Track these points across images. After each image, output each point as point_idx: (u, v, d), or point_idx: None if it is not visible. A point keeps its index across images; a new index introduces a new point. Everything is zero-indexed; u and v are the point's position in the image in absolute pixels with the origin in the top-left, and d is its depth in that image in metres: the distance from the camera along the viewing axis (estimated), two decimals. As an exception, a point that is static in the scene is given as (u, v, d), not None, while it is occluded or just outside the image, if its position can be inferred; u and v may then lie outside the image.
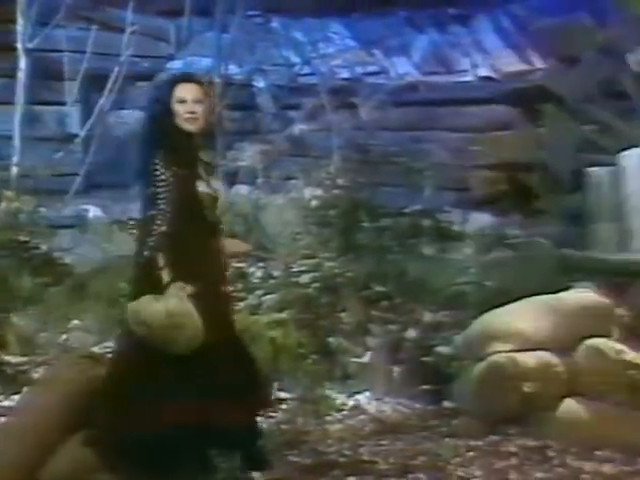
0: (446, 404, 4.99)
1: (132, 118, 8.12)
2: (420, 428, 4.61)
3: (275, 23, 8.59)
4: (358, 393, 5.14)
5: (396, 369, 5.38)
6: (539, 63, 8.00)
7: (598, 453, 4.07)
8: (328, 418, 4.80)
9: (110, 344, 5.32)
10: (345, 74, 8.24)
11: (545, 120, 7.28)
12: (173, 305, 3.63)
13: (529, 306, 4.55)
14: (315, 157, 7.25)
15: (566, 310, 4.46)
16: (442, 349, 5.40)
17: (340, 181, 6.55)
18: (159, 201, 3.69)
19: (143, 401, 3.66)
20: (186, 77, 3.94)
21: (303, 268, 5.87)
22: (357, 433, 4.53)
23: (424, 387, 5.17)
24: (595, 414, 4.22)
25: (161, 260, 3.65)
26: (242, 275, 5.87)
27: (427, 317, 5.80)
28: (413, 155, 7.28)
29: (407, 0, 8.41)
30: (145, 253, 3.68)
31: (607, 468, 3.90)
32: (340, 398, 5.03)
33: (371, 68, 8.12)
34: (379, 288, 5.94)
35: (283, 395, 4.99)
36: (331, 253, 6.05)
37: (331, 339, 5.46)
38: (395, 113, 7.65)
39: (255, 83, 8.26)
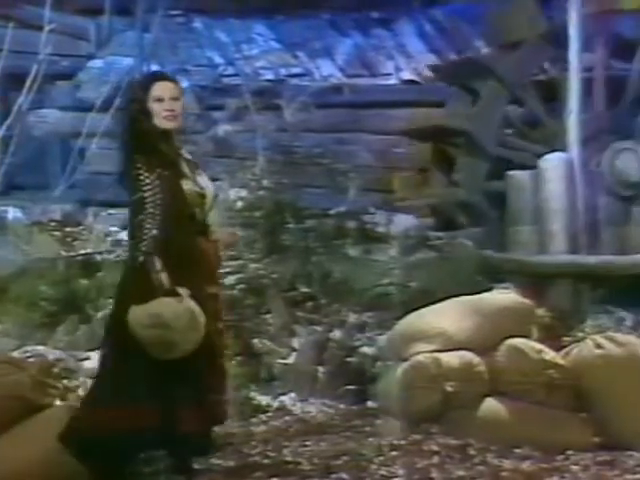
0: (370, 404, 5.03)
1: (52, 117, 7.99)
2: (344, 428, 4.63)
3: (197, 23, 8.55)
4: (283, 394, 5.14)
5: (321, 370, 5.40)
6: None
7: (517, 451, 4.14)
8: (253, 420, 4.79)
9: (30, 348, 5.24)
10: (269, 75, 8.25)
11: (482, 94, 7.35)
12: (194, 307, 3.62)
13: (452, 307, 4.59)
14: (240, 158, 7.23)
15: (488, 311, 4.51)
16: (366, 350, 5.44)
17: (265, 182, 6.55)
18: (147, 205, 3.68)
19: (121, 403, 3.69)
20: (161, 76, 3.97)
21: (228, 269, 5.83)
22: (282, 434, 4.53)
23: (348, 387, 5.20)
24: (515, 413, 4.28)
25: (158, 264, 3.64)
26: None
27: (352, 318, 5.83)
28: (337, 157, 7.33)
29: (330, 3, 8.46)
30: (140, 258, 3.67)
31: (526, 465, 3.96)
32: (265, 400, 5.03)
33: (295, 70, 8.15)
34: (304, 289, 5.95)
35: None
36: (256, 254, 6.04)
37: (256, 340, 5.45)
38: (319, 115, 7.68)
39: (178, 83, 8.21)
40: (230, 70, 8.33)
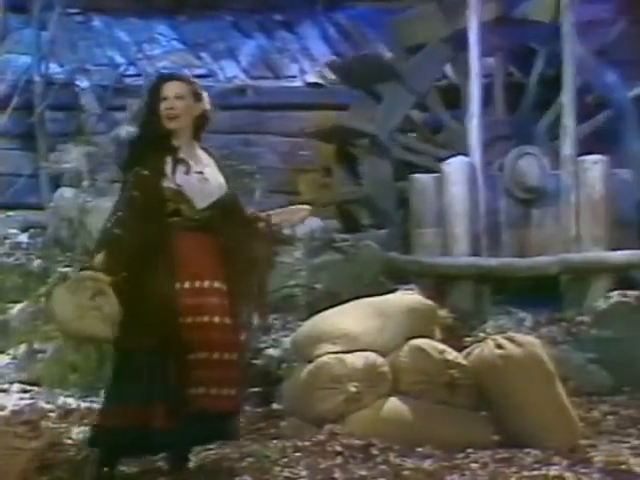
0: (275, 406, 5.02)
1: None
2: (248, 431, 4.61)
3: (97, 22, 8.42)
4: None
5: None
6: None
7: (419, 450, 4.18)
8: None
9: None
10: (171, 76, 8.18)
11: (385, 96, 7.46)
12: (78, 298, 3.67)
13: (357, 308, 4.62)
14: (143, 160, 7.15)
15: (392, 312, 4.55)
16: (272, 351, 5.44)
17: (169, 184, 6.45)
18: (118, 202, 3.79)
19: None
20: (172, 76, 4.01)
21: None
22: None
23: (253, 390, 5.18)
24: (417, 412, 4.33)
25: (96, 257, 3.72)
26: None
27: (257, 320, 5.80)
28: (243, 158, 7.31)
29: (232, 4, 8.45)
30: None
31: (427, 464, 4.00)
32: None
33: (199, 71, 8.10)
34: (209, 292, 5.90)
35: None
36: (160, 257, 5.96)
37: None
38: (224, 116, 7.65)
39: (78, 83, 8.07)
40: (132, 70, 8.24)
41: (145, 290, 3.74)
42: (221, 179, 3.94)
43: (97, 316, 3.67)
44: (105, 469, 3.82)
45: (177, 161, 3.84)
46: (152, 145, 3.84)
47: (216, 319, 3.81)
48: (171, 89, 3.86)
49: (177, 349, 3.74)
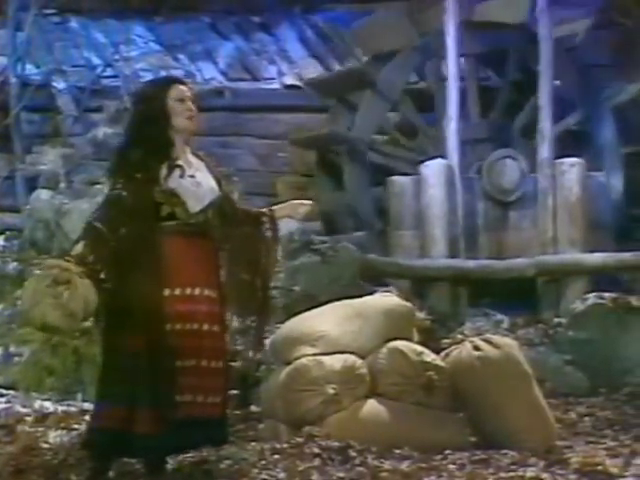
0: (253, 408, 5.02)
1: None
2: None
3: (73, 23, 8.39)
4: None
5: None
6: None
7: (397, 451, 4.19)
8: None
9: None
10: (149, 77, 8.17)
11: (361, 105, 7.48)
12: (40, 287, 3.66)
13: (335, 310, 4.63)
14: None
15: (370, 314, 4.57)
16: (250, 354, 5.43)
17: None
18: (104, 201, 3.81)
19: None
20: (178, 79, 4.07)
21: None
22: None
23: (232, 392, 5.17)
24: (395, 414, 4.34)
25: (75, 247, 3.72)
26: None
27: (235, 322, 5.80)
28: (221, 160, 7.29)
29: (210, 6, 8.45)
30: None
31: (405, 465, 4.01)
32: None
33: (176, 72, 8.09)
34: (186, 294, 5.88)
35: (87, 406, 4.87)
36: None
37: (137, 347, 5.36)
38: (201, 118, 7.64)
39: (55, 84, 8.04)
40: (109, 71, 8.22)
41: (131, 293, 3.72)
42: (213, 182, 3.95)
43: (52, 304, 3.64)
44: (98, 471, 3.81)
45: (173, 166, 3.85)
46: (153, 148, 3.83)
47: (205, 327, 3.81)
48: (186, 92, 3.92)
49: (162, 355, 3.73)
